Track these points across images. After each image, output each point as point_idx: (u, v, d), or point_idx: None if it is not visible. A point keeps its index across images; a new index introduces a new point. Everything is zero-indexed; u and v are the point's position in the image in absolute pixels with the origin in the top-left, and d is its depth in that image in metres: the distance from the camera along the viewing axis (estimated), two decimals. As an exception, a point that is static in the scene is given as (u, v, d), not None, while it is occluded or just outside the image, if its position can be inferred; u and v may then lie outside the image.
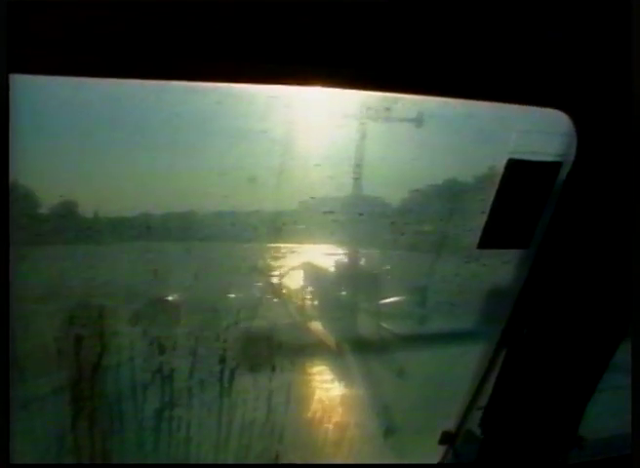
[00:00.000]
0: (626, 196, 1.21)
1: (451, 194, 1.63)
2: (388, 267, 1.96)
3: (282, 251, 1.69)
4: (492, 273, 1.65)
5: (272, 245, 1.67)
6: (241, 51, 0.91)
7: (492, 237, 1.43)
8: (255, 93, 1.19)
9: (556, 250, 1.37)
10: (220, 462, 1.82)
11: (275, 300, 1.82)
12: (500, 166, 1.31)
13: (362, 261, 1.99)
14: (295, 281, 1.92)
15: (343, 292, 2.17)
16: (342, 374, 2.09)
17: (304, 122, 1.36)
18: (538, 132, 1.30)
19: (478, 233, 1.42)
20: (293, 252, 1.73)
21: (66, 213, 1.42)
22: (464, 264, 1.64)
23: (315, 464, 1.96)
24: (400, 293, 2.16)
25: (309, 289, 2.00)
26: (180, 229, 1.58)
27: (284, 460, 1.85)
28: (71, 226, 1.46)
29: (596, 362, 1.50)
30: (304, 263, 1.92)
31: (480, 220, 1.39)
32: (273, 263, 1.71)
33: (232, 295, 1.75)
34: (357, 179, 1.51)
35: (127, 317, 1.64)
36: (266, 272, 1.73)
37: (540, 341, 1.47)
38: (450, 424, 1.77)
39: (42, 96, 1.12)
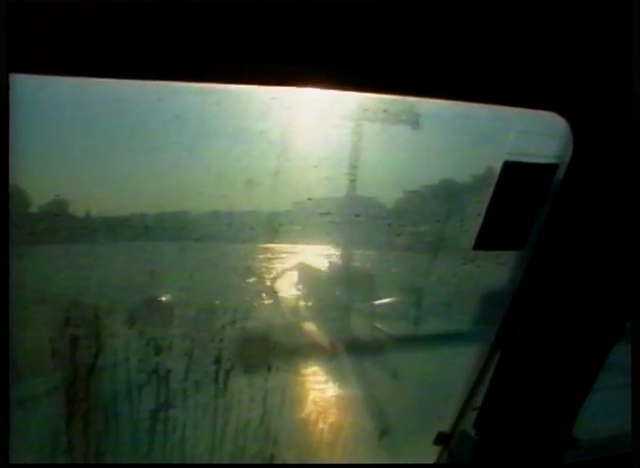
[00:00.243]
0: (622, 198, 1.23)
1: (447, 196, 1.64)
2: (384, 268, 1.97)
3: (279, 251, 1.69)
4: (487, 274, 1.66)
5: (269, 245, 1.66)
6: (239, 51, 0.92)
7: (487, 238, 1.44)
8: (252, 93, 1.20)
9: (551, 251, 1.38)
10: (215, 462, 1.81)
11: (271, 301, 1.81)
12: (497, 168, 1.32)
13: (358, 262, 1.99)
14: (291, 282, 1.92)
15: (339, 293, 2.17)
16: (338, 375, 2.09)
17: (302, 123, 1.36)
18: (534, 134, 1.31)
19: (474, 234, 1.43)
20: (289, 252, 1.73)
21: (66, 212, 1.41)
22: (460, 265, 1.64)
23: (310, 464, 1.97)
24: (396, 295, 2.16)
25: (305, 290, 2.00)
26: (176, 229, 1.58)
27: (279, 461, 1.85)
28: (71, 226, 1.45)
29: (591, 363, 1.51)
30: (301, 264, 1.92)
31: (476, 222, 1.40)
32: (270, 264, 1.70)
33: (229, 296, 1.75)
34: (354, 181, 1.51)
35: (122, 317, 1.63)
36: (263, 273, 1.73)
37: (535, 343, 1.48)
38: (445, 425, 1.78)
39: (42, 96, 1.11)
